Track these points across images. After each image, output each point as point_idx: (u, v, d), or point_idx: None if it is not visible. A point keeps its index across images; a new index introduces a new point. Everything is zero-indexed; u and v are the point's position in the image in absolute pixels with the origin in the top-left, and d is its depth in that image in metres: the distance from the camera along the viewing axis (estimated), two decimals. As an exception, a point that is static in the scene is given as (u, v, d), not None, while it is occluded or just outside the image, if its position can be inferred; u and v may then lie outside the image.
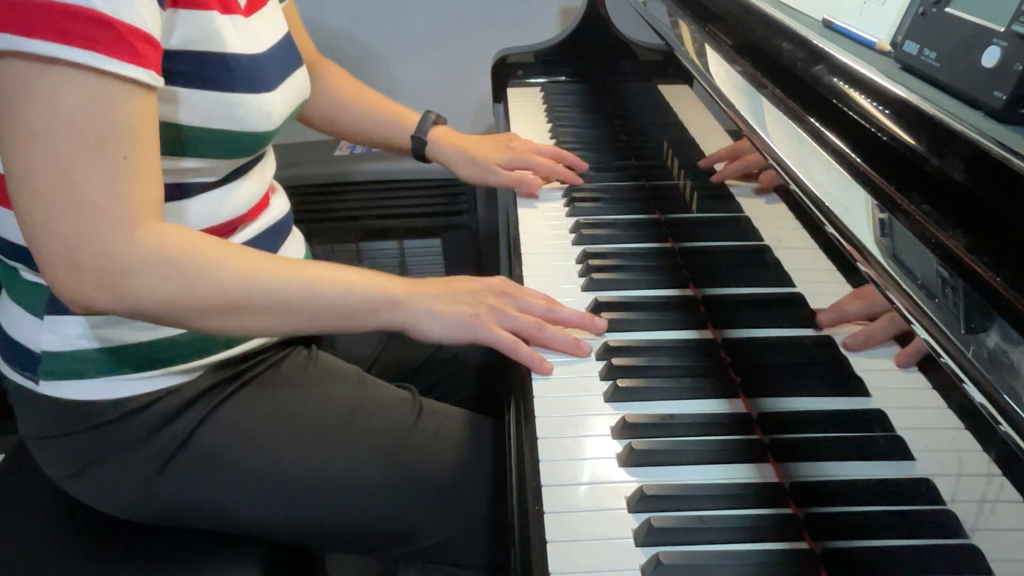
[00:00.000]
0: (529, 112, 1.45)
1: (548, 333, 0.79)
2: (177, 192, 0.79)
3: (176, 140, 0.76)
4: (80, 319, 0.80)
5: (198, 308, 0.71)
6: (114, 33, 0.64)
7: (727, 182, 0.83)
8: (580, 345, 0.79)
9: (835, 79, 0.63)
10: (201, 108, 0.75)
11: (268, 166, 0.92)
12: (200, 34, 0.73)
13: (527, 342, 0.78)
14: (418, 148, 1.12)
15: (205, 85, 0.74)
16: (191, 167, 0.79)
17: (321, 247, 1.85)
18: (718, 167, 0.86)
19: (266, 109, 0.80)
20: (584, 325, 0.82)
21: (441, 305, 0.77)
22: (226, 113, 0.77)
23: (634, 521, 0.62)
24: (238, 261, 0.73)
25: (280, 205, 0.95)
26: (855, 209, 0.53)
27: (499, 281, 0.82)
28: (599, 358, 0.80)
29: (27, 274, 0.82)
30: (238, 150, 0.81)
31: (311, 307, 0.75)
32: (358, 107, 1.13)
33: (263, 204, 0.90)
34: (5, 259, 0.83)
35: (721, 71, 0.82)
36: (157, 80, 0.68)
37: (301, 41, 1.06)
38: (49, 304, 0.81)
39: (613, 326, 0.84)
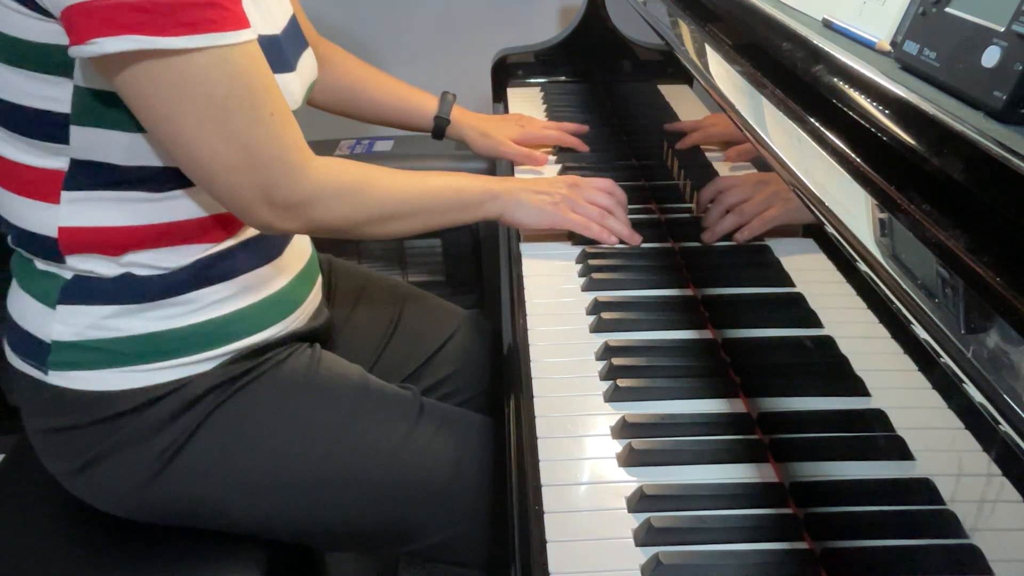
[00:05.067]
0: (529, 112, 1.45)
1: (609, 221, 0.98)
2: None
3: None
4: (93, 309, 0.81)
5: (365, 219, 0.86)
6: (221, 9, 0.69)
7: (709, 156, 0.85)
8: (633, 235, 0.99)
9: (835, 79, 0.63)
10: None
11: None
12: None
13: None
14: (440, 128, 1.20)
15: None
16: None
17: (321, 247, 1.84)
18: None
19: (290, 88, 0.83)
20: (628, 227, 0.99)
21: (527, 196, 0.95)
22: None
23: (634, 521, 0.62)
24: (382, 179, 0.87)
25: None
26: (855, 209, 0.53)
27: (571, 177, 1.02)
28: (599, 358, 0.80)
29: (41, 264, 0.82)
30: None
31: (440, 207, 0.91)
32: (374, 88, 1.19)
33: None
34: (19, 249, 0.83)
35: (721, 71, 0.82)
36: (254, 32, 0.73)
37: (302, 22, 1.08)
38: (62, 294, 0.81)
39: (613, 326, 0.84)
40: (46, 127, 0.74)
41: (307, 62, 0.92)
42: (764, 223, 0.76)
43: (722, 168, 0.87)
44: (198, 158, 0.74)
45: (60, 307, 0.81)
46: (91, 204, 0.77)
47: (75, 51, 0.67)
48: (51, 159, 0.76)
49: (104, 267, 0.80)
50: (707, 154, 0.92)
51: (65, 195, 0.77)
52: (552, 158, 1.25)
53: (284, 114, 0.77)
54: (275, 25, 0.83)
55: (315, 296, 0.98)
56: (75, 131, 0.74)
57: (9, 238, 0.84)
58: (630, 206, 1.02)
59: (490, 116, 1.26)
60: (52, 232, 0.79)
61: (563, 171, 1.19)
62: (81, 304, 0.81)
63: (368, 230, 0.88)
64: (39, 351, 0.82)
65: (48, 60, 0.70)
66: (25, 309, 0.84)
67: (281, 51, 0.82)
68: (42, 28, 0.69)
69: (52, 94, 0.73)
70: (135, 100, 0.71)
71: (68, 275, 0.81)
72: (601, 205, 0.98)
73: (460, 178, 0.94)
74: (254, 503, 0.85)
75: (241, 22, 0.71)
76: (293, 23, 0.90)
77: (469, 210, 0.93)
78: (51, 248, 0.79)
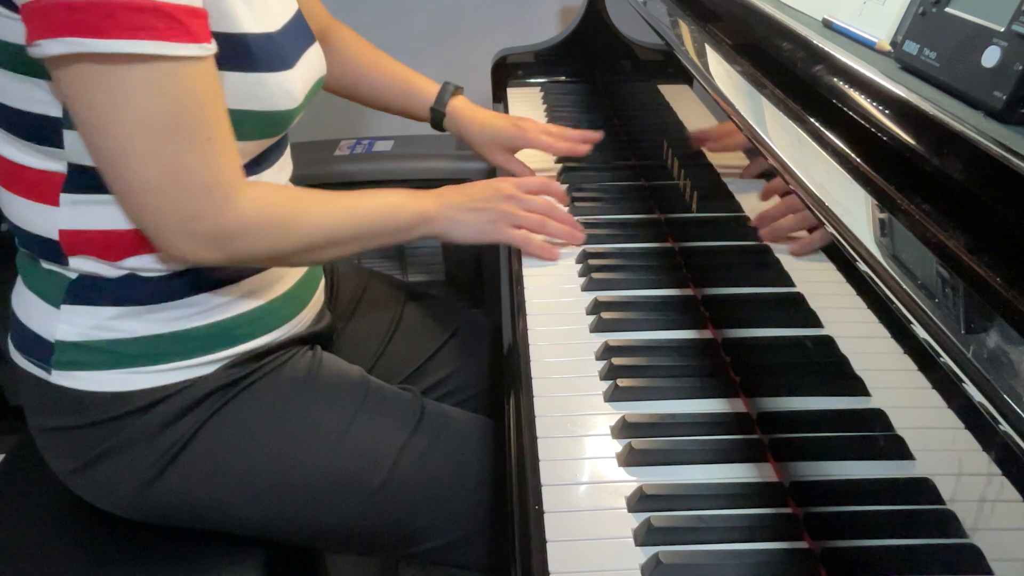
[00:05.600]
0: (529, 112, 1.45)
1: (550, 227, 0.96)
2: None
3: None
4: (97, 310, 0.81)
5: (293, 251, 0.82)
6: (169, 18, 0.66)
7: (725, 180, 0.83)
8: (574, 235, 0.97)
9: (835, 79, 0.63)
10: (226, 90, 0.76)
11: (287, 162, 0.94)
12: (215, 14, 0.73)
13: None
14: (436, 119, 1.16)
15: (224, 66, 0.75)
16: None
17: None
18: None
19: (286, 87, 0.81)
20: (570, 224, 0.98)
21: (463, 214, 0.92)
22: (248, 93, 0.77)
23: (634, 520, 0.62)
24: (313, 207, 0.83)
25: None
26: (855, 209, 0.53)
27: (507, 185, 0.97)
28: (599, 358, 0.80)
29: (46, 263, 0.82)
30: (263, 131, 0.82)
31: (371, 232, 0.88)
32: (376, 74, 1.16)
33: None
34: (24, 249, 0.83)
35: (721, 71, 0.82)
36: (209, 49, 0.70)
37: (313, 8, 1.08)
38: (67, 294, 0.81)
39: (613, 326, 0.84)
40: (42, 131, 0.74)
41: (311, 58, 0.90)
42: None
43: (737, 187, 0.85)
44: (121, 172, 0.70)
45: (64, 307, 0.81)
46: (90, 207, 0.77)
47: (30, 53, 0.66)
48: (50, 162, 0.76)
49: (106, 269, 0.80)
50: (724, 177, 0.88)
51: (64, 197, 0.77)
52: (553, 156, 1.25)
53: (223, 141, 0.74)
54: (271, 23, 0.81)
55: (318, 300, 0.98)
56: (68, 135, 0.74)
57: (16, 239, 0.84)
58: (630, 206, 1.02)
59: (493, 114, 1.21)
60: (53, 234, 0.79)
61: (563, 170, 1.19)
62: (85, 304, 0.81)
63: (296, 260, 0.86)
64: (43, 350, 0.82)
65: (35, 63, 0.69)
66: (30, 308, 0.84)
67: (277, 49, 0.81)
68: (23, 29, 0.68)
69: (45, 98, 0.72)
70: (72, 103, 0.69)
71: (73, 275, 0.81)
72: (540, 211, 0.96)
73: (394, 198, 0.89)
74: (255, 504, 0.85)
75: (195, 37, 0.68)
76: (297, 20, 0.89)
77: (403, 233, 0.90)
78: (53, 250, 0.79)
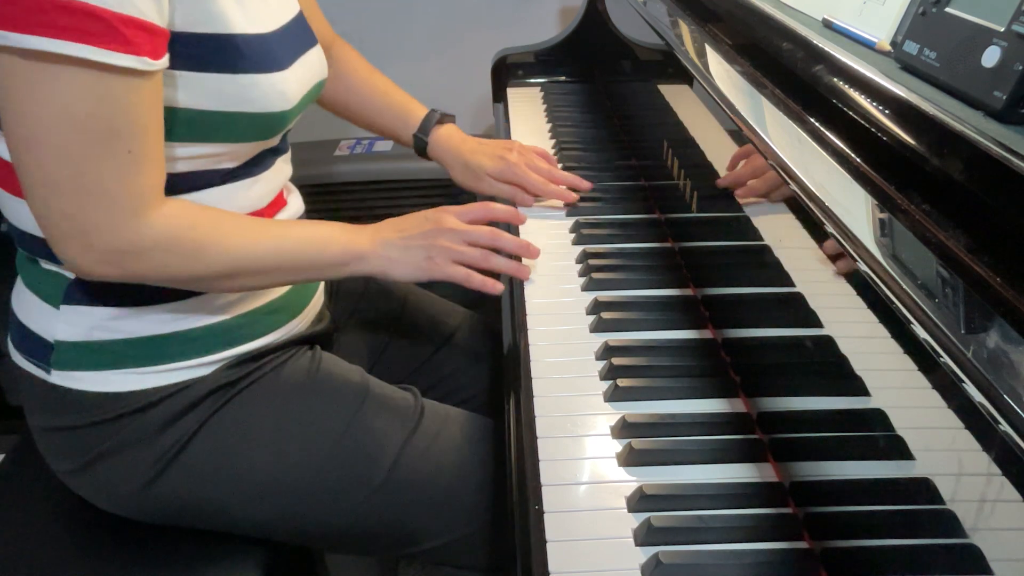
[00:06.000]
0: (529, 112, 1.45)
1: (493, 261, 0.90)
2: (201, 180, 0.80)
3: (195, 125, 0.76)
4: (97, 311, 0.81)
5: (201, 277, 0.78)
6: (103, 24, 0.65)
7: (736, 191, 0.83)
8: (520, 269, 0.92)
9: (835, 79, 0.63)
10: (214, 91, 0.76)
11: (286, 164, 0.93)
12: (202, 16, 0.73)
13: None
14: (419, 146, 1.12)
15: (215, 68, 0.75)
16: (213, 152, 0.79)
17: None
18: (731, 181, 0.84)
19: (280, 88, 0.80)
20: (522, 251, 0.93)
21: (398, 252, 0.87)
22: (239, 95, 0.77)
23: (634, 520, 0.62)
24: (233, 232, 0.79)
25: (295, 204, 0.95)
26: (855, 209, 0.53)
27: (448, 218, 0.90)
28: (599, 358, 0.80)
29: (46, 264, 0.82)
30: (257, 132, 0.82)
31: (295, 266, 0.84)
32: (367, 93, 1.12)
33: (280, 202, 0.91)
34: (24, 250, 0.83)
35: (721, 71, 0.82)
36: (151, 65, 0.69)
37: (316, 21, 1.05)
38: (67, 294, 0.81)
39: (613, 326, 0.84)
40: None
41: (311, 60, 0.89)
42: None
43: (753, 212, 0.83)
44: (28, 165, 0.68)
45: (64, 307, 0.81)
46: None
47: None
48: None
49: None
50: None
51: None
52: (553, 156, 1.25)
53: (146, 157, 0.71)
54: (266, 24, 0.81)
55: (317, 301, 0.98)
56: None
57: (15, 239, 0.84)
58: (630, 206, 1.02)
59: (479, 142, 1.13)
60: None
61: (563, 169, 1.17)
62: (85, 305, 0.81)
63: (208, 286, 0.81)
64: (43, 350, 0.82)
65: None
66: (29, 308, 0.84)
67: (270, 51, 0.80)
68: None
69: None
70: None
71: (72, 275, 0.81)
72: (482, 244, 0.89)
73: (326, 230, 0.85)
74: (255, 504, 0.85)
75: (133, 48, 0.66)
76: (298, 21, 0.88)
77: (332, 269, 0.86)
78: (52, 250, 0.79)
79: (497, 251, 0.91)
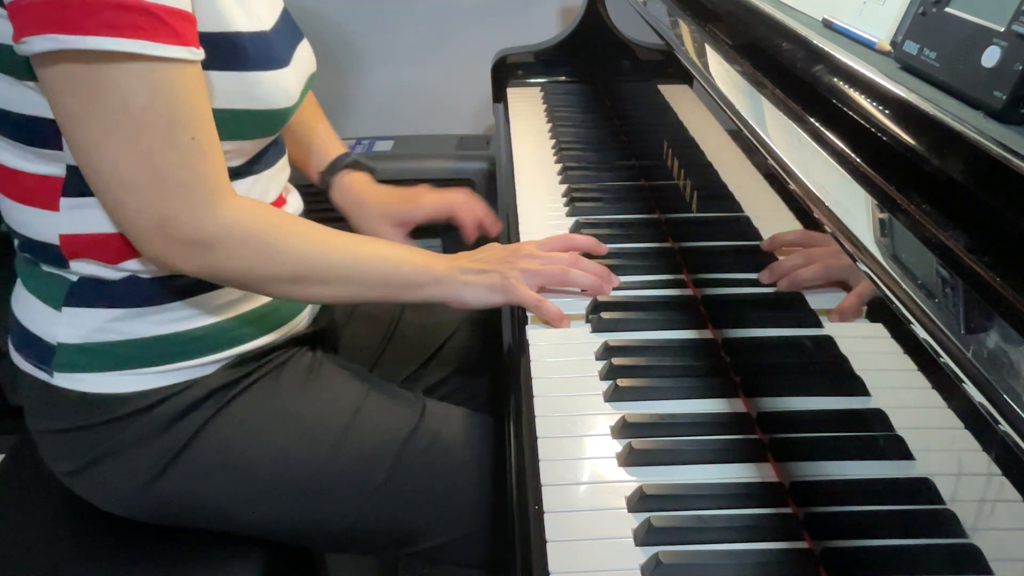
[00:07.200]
0: (529, 112, 1.45)
1: (572, 276, 0.88)
2: None
3: None
4: (98, 312, 0.81)
5: (271, 277, 0.78)
6: (155, 19, 0.66)
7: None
8: (601, 286, 0.88)
9: (835, 79, 0.63)
10: (221, 89, 0.76)
11: (286, 164, 0.93)
12: (212, 14, 0.74)
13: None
14: (324, 187, 1.08)
15: (221, 66, 0.75)
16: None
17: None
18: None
19: (282, 85, 0.81)
20: (603, 277, 0.89)
21: (473, 277, 0.85)
22: (245, 92, 0.77)
23: (634, 520, 0.62)
24: (306, 234, 0.79)
25: (295, 204, 0.95)
26: (855, 209, 0.53)
27: (527, 246, 0.90)
28: (599, 358, 0.80)
29: (47, 267, 0.82)
30: (261, 129, 0.82)
31: (366, 280, 0.82)
32: (295, 120, 1.05)
33: (280, 202, 0.91)
34: (24, 254, 0.83)
35: (721, 71, 0.82)
36: (198, 54, 0.70)
37: None
38: (68, 296, 0.81)
39: (613, 326, 0.84)
40: (39, 133, 0.74)
41: (302, 54, 0.90)
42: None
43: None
44: (98, 166, 0.69)
45: (65, 309, 0.81)
46: (90, 211, 0.77)
47: (17, 51, 0.66)
48: (49, 165, 0.76)
49: (107, 271, 0.80)
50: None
51: (64, 201, 0.77)
52: (553, 156, 1.25)
53: (208, 143, 0.72)
54: (263, 21, 0.81)
55: None
56: None
57: (15, 243, 0.84)
58: (630, 206, 1.02)
59: (385, 193, 1.10)
60: (54, 239, 0.79)
61: (562, 170, 1.18)
62: (86, 307, 0.81)
63: (278, 289, 0.81)
64: (44, 353, 0.82)
65: (28, 64, 0.69)
66: (30, 311, 0.84)
67: (271, 48, 0.81)
68: (11, 30, 0.67)
69: (40, 100, 0.72)
70: (54, 98, 0.68)
71: (73, 278, 0.81)
72: (563, 263, 0.88)
73: (401, 252, 0.84)
74: (255, 505, 0.85)
75: (181, 39, 0.68)
76: (285, 17, 0.89)
77: (407, 290, 0.84)
78: (54, 254, 0.79)
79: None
